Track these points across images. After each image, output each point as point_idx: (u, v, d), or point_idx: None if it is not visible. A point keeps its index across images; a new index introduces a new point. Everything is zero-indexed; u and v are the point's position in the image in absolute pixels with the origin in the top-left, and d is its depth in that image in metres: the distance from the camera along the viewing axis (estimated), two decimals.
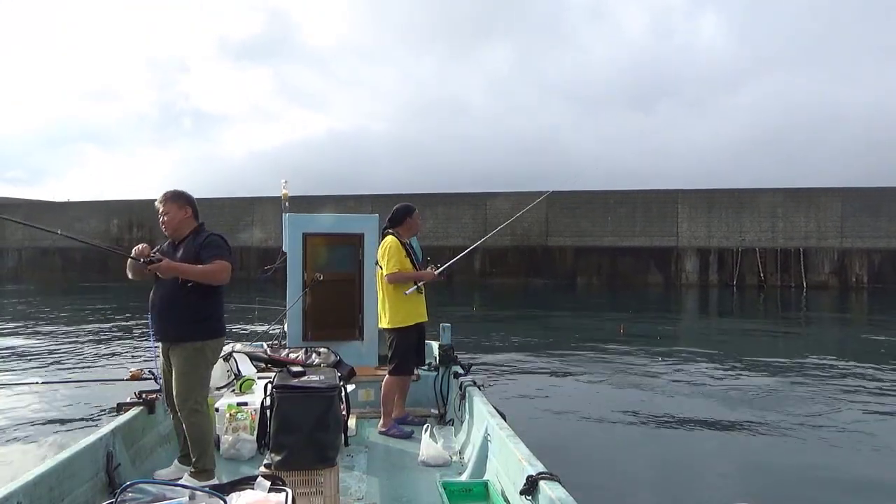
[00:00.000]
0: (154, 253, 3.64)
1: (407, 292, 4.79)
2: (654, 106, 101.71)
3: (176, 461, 3.86)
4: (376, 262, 5.01)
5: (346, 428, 4.14)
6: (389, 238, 4.90)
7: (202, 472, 3.60)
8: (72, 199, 38.47)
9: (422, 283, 4.87)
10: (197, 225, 3.81)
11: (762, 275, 27.03)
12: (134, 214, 32.98)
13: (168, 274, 3.53)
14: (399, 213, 5.00)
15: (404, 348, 4.86)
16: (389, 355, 4.92)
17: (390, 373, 4.86)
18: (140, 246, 3.63)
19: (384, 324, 4.96)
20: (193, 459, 3.64)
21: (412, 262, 4.91)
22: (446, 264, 5.17)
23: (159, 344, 3.82)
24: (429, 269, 4.97)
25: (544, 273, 28.75)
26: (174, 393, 3.66)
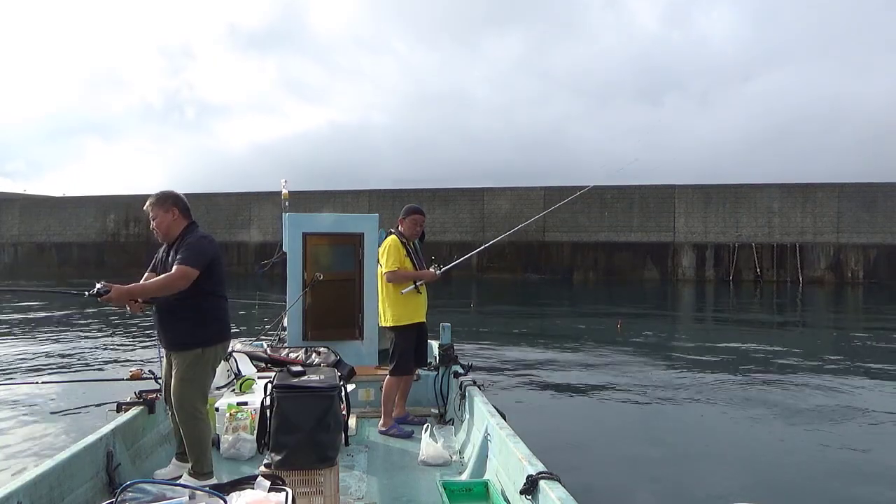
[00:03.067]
0: (157, 255, 3.58)
1: (403, 291, 4.81)
2: (662, 98, 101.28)
3: (174, 459, 3.86)
4: (378, 261, 5.06)
5: (346, 428, 4.15)
6: (390, 237, 4.96)
7: (200, 475, 3.59)
8: (68, 194, 38.37)
9: (421, 283, 4.89)
10: (187, 224, 3.66)
11: (758, 270, 27.12)
12: (131, 210, 32.83)
13: (123, 300, 3.36)
14: (402, 213, 5.06)
15: (403, 348, 4.88)
16: (389, 355, 4.95)
17: (390, 373, 4.88)
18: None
19: (384, 322, 5.02)
20: (191, 463, 3.63)
21: (413, 262, 4.93)
22: (449, 266, 5.20)
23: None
24: (431, 269, 4.98)
25: (541, 268, 28.82)
26: (172, 396, 3.64)
